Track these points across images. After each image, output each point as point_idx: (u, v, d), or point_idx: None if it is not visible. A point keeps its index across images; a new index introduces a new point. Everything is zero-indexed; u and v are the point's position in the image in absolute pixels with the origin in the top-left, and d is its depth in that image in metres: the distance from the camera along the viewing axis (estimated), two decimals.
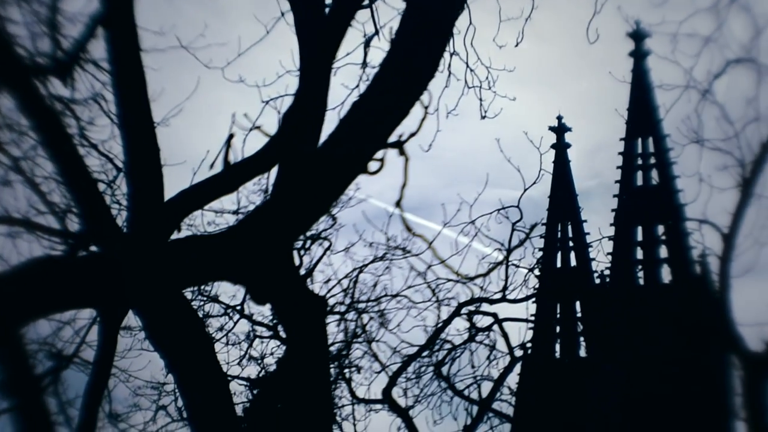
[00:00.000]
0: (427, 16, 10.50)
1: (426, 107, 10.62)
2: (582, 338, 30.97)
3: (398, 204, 17.63)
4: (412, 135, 10.91)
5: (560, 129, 32.91)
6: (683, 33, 15.63)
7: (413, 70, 10.36)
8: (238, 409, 10.59)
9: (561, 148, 33.04)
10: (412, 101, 10.48)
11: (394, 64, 10.48)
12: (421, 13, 10.54)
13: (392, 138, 10.48)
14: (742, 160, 15.09)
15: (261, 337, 20.57)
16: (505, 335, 20.39)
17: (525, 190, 19.66)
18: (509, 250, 20.08)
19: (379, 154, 10.48)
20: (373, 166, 10.49)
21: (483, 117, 13.25)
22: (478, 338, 20.57)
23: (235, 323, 20.49)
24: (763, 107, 15.44)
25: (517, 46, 12.79)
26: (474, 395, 20.58)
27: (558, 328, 31.29)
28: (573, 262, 32.04)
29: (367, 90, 10.58)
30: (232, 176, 10.50)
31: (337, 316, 20.76)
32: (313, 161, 10.28)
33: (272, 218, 10.29)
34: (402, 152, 11.51)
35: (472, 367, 20.59)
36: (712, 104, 15.54)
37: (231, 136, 10.43)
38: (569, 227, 32.32)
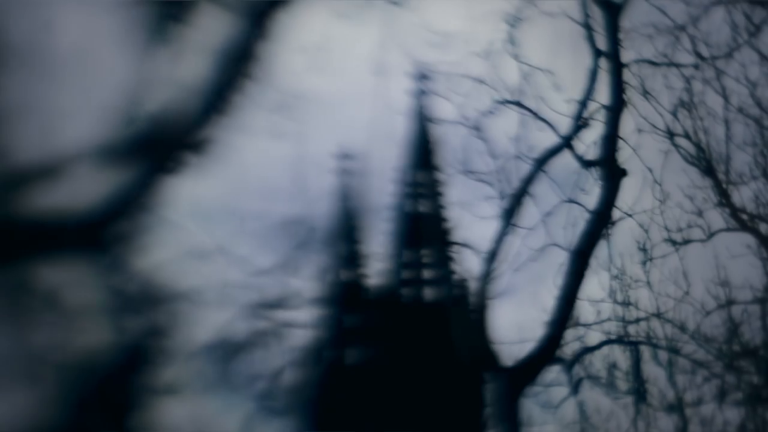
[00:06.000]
0: None
1: None
2: None
3: None
4: None
5: (344, 156, 34.27)
6: (458, 73, 17.21)
7: None
8: None
9: (345, 173, 34.44)
10: None
11: None
12: None
13: None
14: (503, 192, 16.79)
15: None
16: None
17: None
18: None
19: None
20: None
21: None
22: None
23: None
24: (525, 146, 17.16)
25: None
26: None
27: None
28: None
29: None
30: None
31: None
32: None
33: None
34: None
35: None
36: (480, 140, 17.20)
37: None
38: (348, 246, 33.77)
